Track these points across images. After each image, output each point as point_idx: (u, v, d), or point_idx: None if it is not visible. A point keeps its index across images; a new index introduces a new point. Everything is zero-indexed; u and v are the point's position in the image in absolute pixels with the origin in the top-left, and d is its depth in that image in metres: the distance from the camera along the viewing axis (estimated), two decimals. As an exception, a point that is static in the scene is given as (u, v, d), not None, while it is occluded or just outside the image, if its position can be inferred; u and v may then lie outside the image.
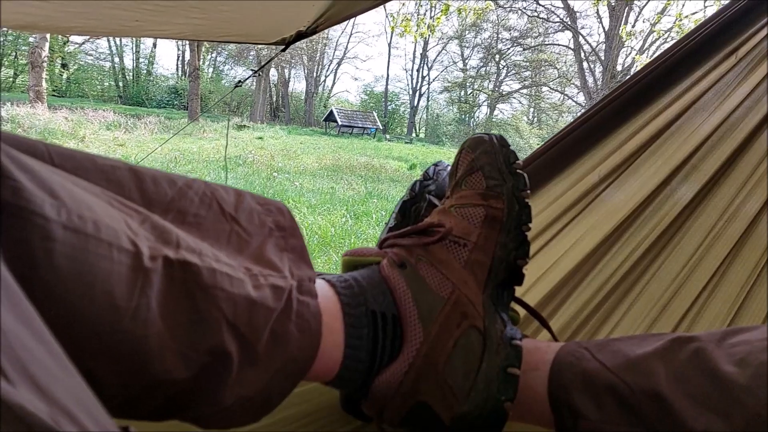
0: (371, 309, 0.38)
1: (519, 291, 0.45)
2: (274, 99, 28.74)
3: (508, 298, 0.44)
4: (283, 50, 1.48)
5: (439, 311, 0.39)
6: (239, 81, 2.35)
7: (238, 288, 0.31)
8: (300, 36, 1.32)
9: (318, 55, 28.06)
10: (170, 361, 0.28)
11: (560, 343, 0.43)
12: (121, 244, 0.26)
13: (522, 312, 0.49)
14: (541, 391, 0.39)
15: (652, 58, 0.85)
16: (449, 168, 0.54)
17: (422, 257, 0.42)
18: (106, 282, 0.25)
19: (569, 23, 14.34)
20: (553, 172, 0.78)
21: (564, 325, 0.62)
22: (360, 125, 20.17)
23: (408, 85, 32.25)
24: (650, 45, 14.15)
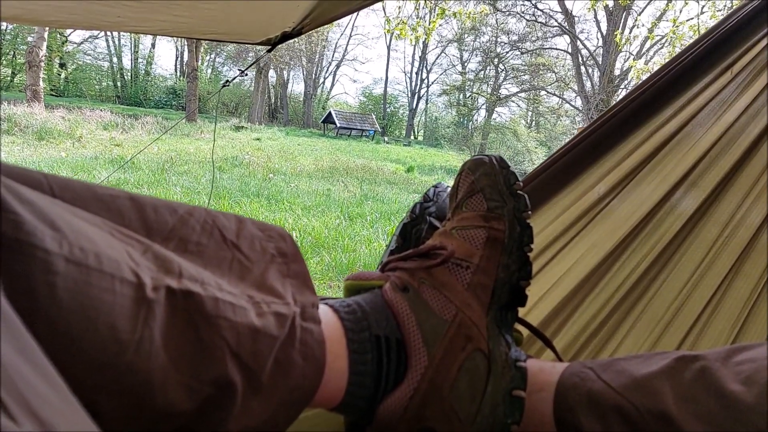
0: (375, 334, 0.38)
1: (521, 311, 0.45)
2: (273, 100, 28.72)
3: (512, 320, 0.44)
4: (269, 51, 1.44)
5: (443, 335, 0.39)
6: (226, 81, 2.37)
7: (242, 317, 0.30)
8: (286, 37, 1.30)
9: (317, 56, 28.06)
10: (174, 393, 0.27)
11: (564, 363, 0.43)
12: (123, 276, 0.26)
13: (525, 332, 0.49)
14: (546, 412, 0.39)
15: (647, 76, 0.85)
16: (449, 190, 0.53)
17: (425, 280, 0.42)
18: (109, 315, 0.25)
19: (567, 27, 14.37)
20: (552, 191, 0.78)
21: (567, 344, 0.61)
22: (358, 127, 20.17)
23: (407, 87, 32.37)
24: (647, 50, 14.22)
